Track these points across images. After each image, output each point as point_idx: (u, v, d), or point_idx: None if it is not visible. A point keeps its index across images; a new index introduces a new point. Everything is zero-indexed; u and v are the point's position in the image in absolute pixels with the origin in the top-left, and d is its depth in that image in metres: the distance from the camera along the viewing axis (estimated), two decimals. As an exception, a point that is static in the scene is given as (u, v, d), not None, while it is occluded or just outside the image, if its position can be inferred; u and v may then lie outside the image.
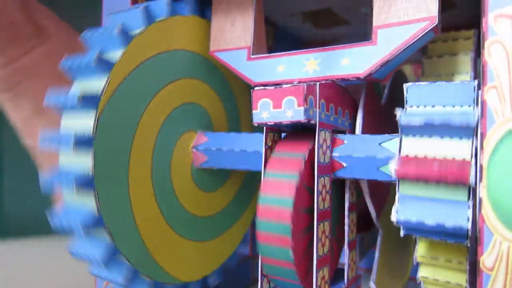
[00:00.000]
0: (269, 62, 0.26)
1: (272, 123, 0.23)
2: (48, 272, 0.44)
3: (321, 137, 0.24)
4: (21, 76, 0.36)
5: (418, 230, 0.21)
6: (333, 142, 0.25)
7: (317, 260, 0.23)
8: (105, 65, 0.23)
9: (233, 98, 0.33)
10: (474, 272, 0.21)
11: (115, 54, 0.24)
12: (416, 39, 0.22)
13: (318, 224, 0.23)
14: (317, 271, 0.23)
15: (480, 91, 0.20)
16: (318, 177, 0.23)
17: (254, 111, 0.24)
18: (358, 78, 0.24)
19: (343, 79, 0.24)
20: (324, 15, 0.39)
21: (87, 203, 0.23)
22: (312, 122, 0.23)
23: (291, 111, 0.23)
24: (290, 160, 0.24)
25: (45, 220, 0.28)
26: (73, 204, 0.24)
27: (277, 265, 0.23)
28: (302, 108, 0.22)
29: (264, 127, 0.25)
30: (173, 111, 0.27)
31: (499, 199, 0.19)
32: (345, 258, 0.27)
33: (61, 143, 0.23)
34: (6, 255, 0.44)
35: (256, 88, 0.24)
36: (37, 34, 0.35)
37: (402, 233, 0.21)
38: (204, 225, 0.30)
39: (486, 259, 0.19)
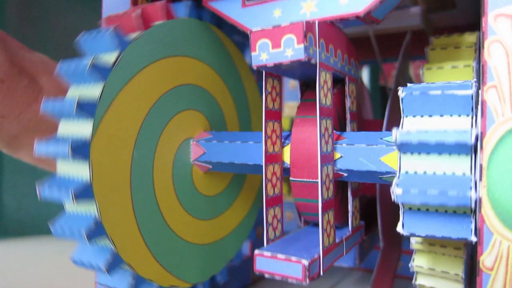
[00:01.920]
0: (265, 7, 0.26)
1: (272, 65, 0.23)
2: (48, 272, 0.44)
3: (322, 78, 0.23)
4: (19, 132, 0.35)
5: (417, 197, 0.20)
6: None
7: (322, 203, 0.23)
8: (101, 71, 0.22)
9: (243, 87, 0.33)
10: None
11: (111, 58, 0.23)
12: (416, -30, 0.22)
13: (321, 167, 0.23)
14: (323, 214, 0.23)
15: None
16: (321, 119, 0.23)
17: (253, 53, 0.23)
18: (357, 17, 0.23)
19: (342, 19, 0.24)
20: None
21: (88, 211, 0.22)
22: (313, 61, 0.22)
23: (290, 49, 0.22)
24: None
25: (44, 220, 0.27)
26: (74, 212, 0.23)
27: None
28: (302, 46, 0.22)
29: (264, 72, 0.24)
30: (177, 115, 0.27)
31: (498, 198, 0.19)
32: (348, 206, 0.26)
33: (58, 149, 0.22)
34: (6, 255, 0.43)
35: (254, 29, 0.23)
36: (32, 88, 0.34)
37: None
38: (211, 227, 0.30)
39: (485, 259, 0.19)
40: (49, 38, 0.67)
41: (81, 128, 0.22)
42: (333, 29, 0.24)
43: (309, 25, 0.22)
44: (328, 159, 0.23)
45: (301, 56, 0.22)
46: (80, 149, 0.21)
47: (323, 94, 0.23)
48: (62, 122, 0.23)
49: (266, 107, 0.24)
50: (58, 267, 0.45)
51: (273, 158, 0.25)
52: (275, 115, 0.25)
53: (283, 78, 0.27)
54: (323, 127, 0.23)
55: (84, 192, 0.22)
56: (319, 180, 0.23)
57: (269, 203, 0.24)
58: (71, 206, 0.23)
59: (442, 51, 0.27)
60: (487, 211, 0.19)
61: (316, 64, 0.23)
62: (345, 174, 0.24)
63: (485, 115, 0.19)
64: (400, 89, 0.21)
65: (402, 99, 0.21)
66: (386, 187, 0.28)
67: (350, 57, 0.27)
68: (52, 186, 0.22)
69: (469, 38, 0.26)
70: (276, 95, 0.25)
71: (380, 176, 0.23)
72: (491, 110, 0.19)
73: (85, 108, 0.22)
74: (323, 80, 0.23)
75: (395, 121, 0.27)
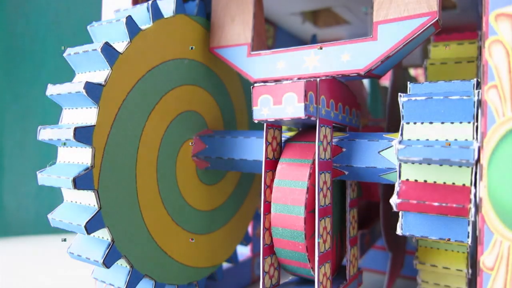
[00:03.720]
0: (269, 58, 0.26)
1: (273, 120, 0.23)
2: (48, 271, 0.44)
3: (322, 133, 0.24)
4: None
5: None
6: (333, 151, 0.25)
7: (318, 256, 0.23)
8: (109, 57, 0.22)
9: (229, 97, 0.33)
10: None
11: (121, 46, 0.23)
12: (416, 34, 0.22)
13: (319, 221, 0.23)
14: (319, 268, 0.23)
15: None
16: (319, 173, 0.23)
17: (254, 108, 0.24)
18: (358, 74, 0.24)
19: (343, 75, 0.24)
20: (324, 14, 0.39)
21: (88, 202, 0.22)
22: (313, 118, 0.23)
23: (291, 107, 0.23)
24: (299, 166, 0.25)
25: (44, 220, 0.27)
26: (74, 203, 0.23)
27: (290, 249, 0.24)
28: (302, 105, 0.22)
29: (264, 124, 0.25)
30: (174, 119, 0.28)
31: (499, 198, 0.19)
32: (346, 254, 0.27)
33: (61, 134, 0.21)
34: (6, 254, 0.44)
35: (256, 85, 0.23)
36: None
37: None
38: (209, 218, 0.30)
39: (486, 259, 0.19)
40: (48, 37, 0.67)
41: (85, 114, 0.22)
42: (335, 84, 0.25)
43: (310, 84, 0.23)
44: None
45: (301, 114, 0.22)
46: (84, 135, 0.21)
47: (322, 149, 0.24)
48: (65, 108, 0.23)
49: (266, 157, 0.25)
50: (58, 267, 0.45)
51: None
52: (275, 164, 0.26)
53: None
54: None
55: (84, 180, 0.21)
56: (316, 231, 0.23)
57: (266, 251, 0.25)
58: (70, 196, 0.23)
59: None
60: (487, 211, 0.19)
61: (316, 120, 0.23)
62: (346, 172, 0.24)
63: (485, 115, 0.19)
64: (401, 94, 0.21)
65: (403, 104, 0.21)
66: (388, 196, 0.28)
67: (351, 108, 0.27)
68: (52, 173, 0.22)
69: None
70: (276, 145, 0.26)
71: (380, 174, 0.23)
72: (491, 110, 0.19)
73: (91, 93, 0.21)
74: (323, 135, 0.24)
75: (395, 126, 0.27)
